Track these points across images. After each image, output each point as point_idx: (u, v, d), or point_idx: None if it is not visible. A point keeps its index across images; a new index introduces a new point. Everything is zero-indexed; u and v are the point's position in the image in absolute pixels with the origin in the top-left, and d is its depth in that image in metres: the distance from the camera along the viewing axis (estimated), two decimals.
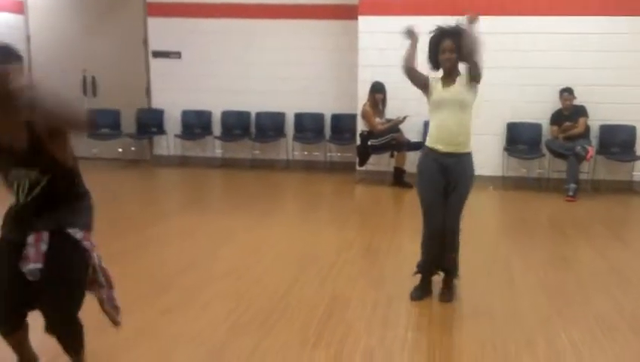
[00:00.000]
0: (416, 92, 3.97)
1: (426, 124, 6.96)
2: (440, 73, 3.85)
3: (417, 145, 7.45)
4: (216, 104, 9.13)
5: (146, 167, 9.16)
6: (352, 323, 3.61)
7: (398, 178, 7.81)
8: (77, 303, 2.61)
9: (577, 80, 7.62)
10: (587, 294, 4.17)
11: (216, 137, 9.15)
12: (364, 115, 7.81)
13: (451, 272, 4.00)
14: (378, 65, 7.81)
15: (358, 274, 4.50)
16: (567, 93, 7.53)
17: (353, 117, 8.27)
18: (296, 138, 9.00)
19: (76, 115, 2.26)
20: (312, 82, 8.94)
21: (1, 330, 2.65)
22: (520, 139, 7.95)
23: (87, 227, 2.59)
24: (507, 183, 7.92)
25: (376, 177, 8.15)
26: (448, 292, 3.98)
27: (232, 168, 9.04)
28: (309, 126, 8.99)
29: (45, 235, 2.47)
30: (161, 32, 9.13)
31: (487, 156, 7.86)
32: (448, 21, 3.85)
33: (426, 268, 3.99)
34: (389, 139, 7.71)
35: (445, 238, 3.87)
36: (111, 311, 2.79)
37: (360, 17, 8.02)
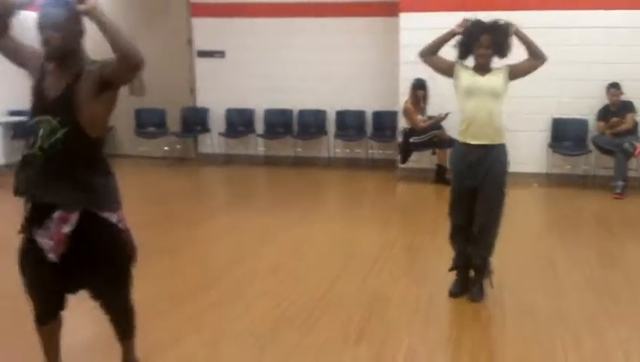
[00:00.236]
0: None
1: None
2: (468, 62, 3.82)
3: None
4: (259, 102, 9.24)
5: (191, 165, 9.33)
6: (394, 321, 3.63)
7: (440, 175, 7.77)
8: (126, 287, 2.65)
9: (625, 75, 7.43)
10: (635, 292, 4.10)
11: (258, 135, 9.27)
12: (406, 113, 7.80)
13: (481, 271, 3.92)
14: (419, 62, 7.70)
15: (400, 272, 4.52)
16: (614, 88, 7.36)
17: (394, 114, 8.26)
18: (337, 135, 9.03)
19: (134, 47, 2.30)
20: (354, 80, 8.95)
21: (36, 317, 2.61)
22: (565, 135, 7.81)
23: (118, 206, 2.56)
24: (551, 180, 7.80)
25: (417, 175, 8.13)
26: (477, 292, 3.91)
27: (275, 166, 9.14)
28: (350, 123, 9.01)
29: (73, 218, 2.43)
30: (205, 31, 9.29)
31: (531, 153, 7.74)
32: (490, 17, 3.82)
33: (459, 263, 3.97)
34: (430, 136, 7.68)
35: (475, 235, 3.83)
36: None
37: (401, 14, 8.00)
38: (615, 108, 7.38)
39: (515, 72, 3.81)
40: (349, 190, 7.98)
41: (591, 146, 7.63)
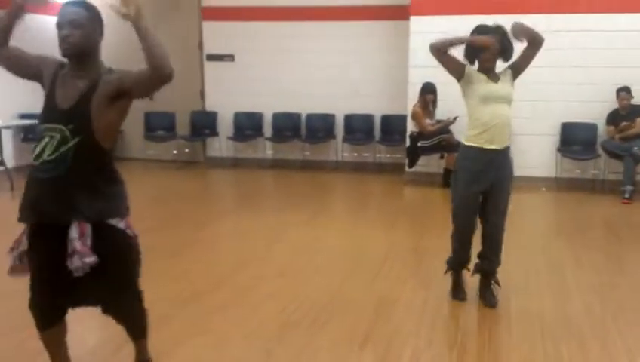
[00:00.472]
0: None
1: None
2: (474, 67, 3.81)
3: None
4: (268, 106, 9.28)
5: (199, 168, 9.38)
6: (401, 323, 3.64)
7: (448, 179, 7.74)
8: (134, 292, 2.65)
9: (635, 79, 7.41)
10: None
11: (267, 139, 9.30)
12: (414, 116, 7.80)
13: (491, 274, 3.94)
14: (429, 66, 7.66)
15: (407, 275, 4.53)
16: (624, 92, 7.33)
17: (403, 118, 8.26)
18: (345, 139, 9.05)
19: (168, 59, 2.38)
20: (362, 83, 8.97)
21: (37, 323, 2.58)
22: (575, 139, 7.78)
23: (127, 213, 2.55)
24: (560, 184, 7.77)
25: (425, 178, 8.13)
26: (490, 297, 3.92)
27: (283, 169, 9.17)
28: (358, 127, 9.03)
29: (89, 228, 2.39)
30: (216, 35, 9.34)
31: (540, 157, 7.73)
32: (499, 21, 3.82)
33: (455, 265, 4.00)
34: (438, 140, 7.68)
35: (488, 239, 3.83)
36: None
37: (411, 17, 8.01)
38: (625, 113, 7.36)
39: (518, 69, 3.81)
40: (356, 193, 7.99)
41: (600, 151, 7.60)
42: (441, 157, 7.97)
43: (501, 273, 3.98)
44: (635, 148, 7.10)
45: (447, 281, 4.07)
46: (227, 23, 9.26)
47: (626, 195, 7.03)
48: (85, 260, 2.37)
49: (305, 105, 9.13)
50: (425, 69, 7.87)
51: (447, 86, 7.30)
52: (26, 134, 8.53)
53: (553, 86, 7.60)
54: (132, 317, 2.73)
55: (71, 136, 2.35)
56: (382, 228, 5.97)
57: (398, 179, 8.28)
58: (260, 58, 9.22)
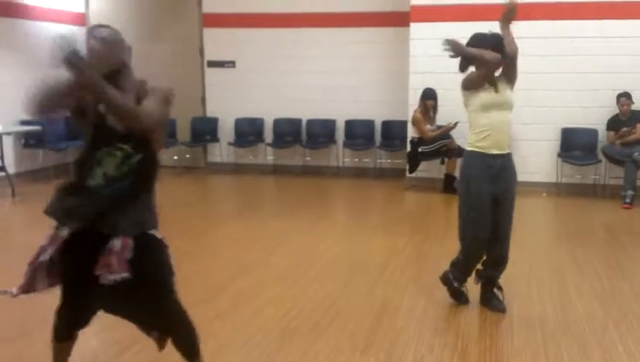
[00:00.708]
0: None
1: None
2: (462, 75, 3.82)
3: None
4: (268, 112, 9.29)
5: (200, 174, 9.39)
6: (402, 329, 3.64)
7: (449, 185, 7.76)
8: (176, 301, 2.61)
9: (635, 84, 7.42)
10: None
11: (267, 144, 9.31)
12: (415, 122, 7.81)
13: (494, 285, 3.93)
14: (429, 72, 7.80)
15: (408, 281, 4.52)
16: (624, 98, 7.34)
17: (404, 123, 8.27)
18: (346, 145, 9.06)
19: (137, 118, 2.34)
20: (363, 89, 8.99)
21: (56, 333, 2.59)
22: (575, 144, 7.79)
23: (157, 220, 2.57)
24: (561, 190, 7.77)
25: (426, 184, 8.13)
26: (499, 303, 3.91)
27: (284, 175, 9.18)
28: (359, 133, 9.04)
29: (131, 243, 2.41)
30: (217, 42, 9.37)
31: (541, 162, 7.73)
32: (490, 28, 3.82)
33: (465, 277, 3.98)
34: (439, 145, 7.69)
35: (499, 246, 3.83)
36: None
37: (412, 24, 8.02)
38: (625, 118, 7.36)
39: (509, 77, 3.80)
40: (357, 199, 7.99)
41: (601, 156, 7.61)
42: (442, 162, 7.98)
43: (502, 278, 3.98)
44: (636, 153, 7.10)
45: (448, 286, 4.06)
46: (228, 30, 9.28)
47: (627, 200, 7.03)
48: (116, 277, 2.37)
49: (305, 110, 9.15)
50: (425, 75, 7.92)
51: (447, 92, 7.37)
52: (27, 140, 8.55)
53: (554, 91, 7.61)
54: (177, 328, 2.67)
55: (134, 152, 2.43)
56: (383, 233, 5.97)
57: (399, 184, 8.29)
58: (261, 64, 9.24)
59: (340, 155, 9.20)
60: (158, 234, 2.53)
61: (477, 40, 3.75)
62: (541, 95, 7.54)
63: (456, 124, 7.40)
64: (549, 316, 3.85)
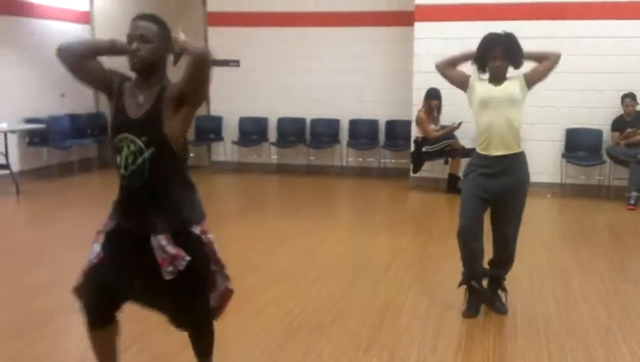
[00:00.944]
0: None
1: None
2: (485, 75, 3.78)
3: (472, 152, 7.38)
4: (273, 111, 9.30)
5: (204, 173, 9.38)
6: (405, 329, 3.63)
7: (453, 185, 7.75)
8: (207, 302, 2.61)
9: None
10: None
11: (271, 143, 9.31)
12: (419, 122, 7.80)
13: (498, 286, 3.92)
14: (433, 72, 7.68)
15: (412, 281, 4.52)
16: (629, 98, 7.32)
17: (408, 123, 8.27)
18: (350, 144, 9.06)
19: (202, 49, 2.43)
20: (367, 89, 8.99)
21: (90, 320, 2.51)
22: (580, 145, 7.77)
23: (203, 218, 2.58)
24: (565, 190, 7.76)
25: (430, 184, 8.12)
26: (501, 306, 3.89)
27: (287, 174, 9.18)
28: (363, 132, 9.04)
29: (169, 238, 2.43)
30: (221, 40, 9.36)
31: (545, 163, 7.71)
32: (503, 27, 3.81)
33: (469, 277, 3.85)
34: (443, 145, 7.68)
35: (500, 248, 3.82)
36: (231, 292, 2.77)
37: (416, 24, 8.02)
38: (630, 119, 7.34)
39: (533, 77, 3.74)
40: (361, 199, 7.98)
41: (605, 157, 7.59)
42: (446, 162, 7.97)
43: (506, 279, 3.96)
44: None
45: (452, 287, 4.03)
46: (232, 29, 9.29)
47: (631, 201, 7.01)
48: (183, 263, 2.40)
49: (310, 110, 9.15)
50: (429, 74, 7.77)
51: (452, 91, 7.26)
52: (32, 138, 8.57)
53: (558, 92, 7.58)
54: (202, 329, 2.67)
55: (145, 147, 2.40)
56: (386, 233, 5.97)
57: (403, 184, 8.28)
58: (265, 63, 9.24)
59: (344, 155, 9.19)
60: (198, 229, 2.52)
61: (490, 40, 3.66)
62: (545, 95, 7.49)
63: (460, 124, 7.40)
64: (552, 316, 3.84)
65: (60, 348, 3.49)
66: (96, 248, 2.51)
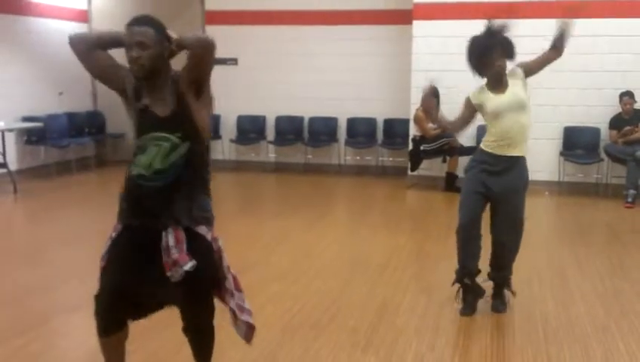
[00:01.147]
0: None
1: (479, 129, 6.94)
2: (481, 81, 3.75)
3: (470, 150, 7.35)
4: (270, 109, 9.29)
5: None
6: (403, 328, 3.63)
7: (451, 183, 7.76)
8: (211, 308, 2.58)
9: (639, 83, 7.41)
10: None
11: (269, 142, 9.31)
12: (417, 120, 7.80)
13: (501, 286, 3.92)
14: (431, 70, 7.76)
15: (410, 279, 4.52)
16: (627, 97, 7.33)
17: (406, 122, 8.27)
18: (348, 143, 9.06)
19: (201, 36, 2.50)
20: (365, 87, 8.99)
21: (102, 325, 2.45)
22: (577, 143, 7.78)
23: (212, 223, 2.55)
24: (563, 188, 7.77)
25: (428, 182, 8.12)
26: (499, 304, 3.89)
27: (285, 172, 9.18)
28: (361, 131, 9.04)
29: (183, 235, 2.40)
30: (219, 39, 9.21)
31: (543, 161, 7.72)
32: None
33: (463, 275, 3.84)
34: (441, 144, 7.68)
35: (498, 250, 3.81)
36: (242, 325, 2.68)
37: (414, 22, 8.01)
38: (628, 117, 7.35)
39: (531, 69, 3.72)
40: (358, 197, 7.98)
41: (603, 155, 7.59)
42: (444, 160, 7.97)
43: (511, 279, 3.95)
44: (638, 152, 7.09)
45: (449, 285, 4.03)
46: (230, 27, 9.27)
47: (629, 199, 7.02)
48: (185, 268, 2.37)
49: (308, 108, 9.15)
50: (428, 72, 7.88)
51: (449, 90, 7.35)
52: (30, 137, 8.55)
53: (556, 90, 7.59)
54: (202, 334, 2.65)
55: (181, 142, 2.40)
56: (384, 231, 5.97)
57: (401, 182, 8.28)
58: (263, 62, 9.24)
59: (342, 153, 9.19)
60: (209, 234, 2.49)
61: (480, 46, 3.61)
62: (543, 93, 7.51)
63: None
64: (550, 315, 3.84)
65: (56, 347, 3.47)
66: (105, 252, 2.49)
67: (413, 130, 7.98)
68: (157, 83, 2.44)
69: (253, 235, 5.80)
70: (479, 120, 3.90)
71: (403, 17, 8.30)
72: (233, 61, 9.35)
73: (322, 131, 9.16)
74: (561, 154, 7.77)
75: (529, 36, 7.38)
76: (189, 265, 2.38)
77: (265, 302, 4.01)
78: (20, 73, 8.51)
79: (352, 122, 9.05)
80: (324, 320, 3.73)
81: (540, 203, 7.25)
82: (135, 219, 2.44)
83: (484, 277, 3.93)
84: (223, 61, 9.35)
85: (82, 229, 5.84)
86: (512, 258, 3.85)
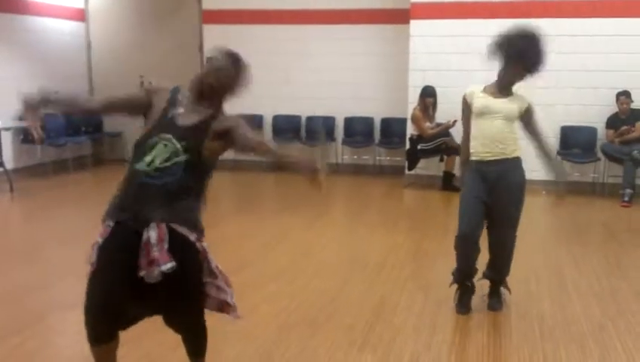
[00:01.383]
0: None
1: None
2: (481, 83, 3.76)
3: None
4: (268, 108, 9.28)
5: None
6: (400, 326, 3.63)
7: (448, 182, 7.77)
8: (200, 307, 2.57)
9: (635, 83, 7.42)
10: None
11: (267, 141, 9.28)
12: (414, 119, 7.81)
13: (498, 284, 3.92)
14: (429, 70, 7.80)
15: (407, 278, 4.52)
16: (624, 96, 7.34)
17: (403, 121, 8.27)
18: (345, 142, 9.06)
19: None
20: (363, 86, 8.98)
21: (94, 335, 2.42)
22: (574, 142, 7.79)
23: (202, 232, 2.53)
24: (560, 188, 7.75)
25: (425, 181, 8.13)
26: (495, 303, 3.90)
27: (282, 171, 9.14)
28: (358, 130, 9.04)
29: (166, 233, 2.36)
30: (216, 38, 9.33)
31: (540, 160, 7.70)
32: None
33: (461, 278, 3.86)
34: (438, 143, 7.68)
35: (494, 251, 3.81)
36: (230, 308, 2.67)
37: (411, 21, 8.01)
38: (625, 117, 7.36)
39: (524, 118, 3.72)
40: (356, 196, 7.98)
41: (600, 154, 7.61)
42: (441, 160, 7.98)
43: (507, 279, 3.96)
44: (635, 151, 7.11)
45: (446, 284, 4.04)
46: (228, 27, 9.26)
47: (626, 199, 7.03)
48: (162, 268, 2.32)
49: (305, 107, 9.14)
50: (425, 72, 7.91)
51: (447, 89, 7.36)
52: (26, 136, 8.52)
53: (553, 89, 7.60)
54: (193, 332, 2.64)
55: (182, 151, 2.46)
56: (382, 230, 5.97)
57: (398, 181, 8.28)
58: (261, 61, 9.12)
59: (339, 152, 9.19)
60: (193, 236, 2.46)
61: (514, 45, 3.52)
62: (540, 93, 7.49)
63: (455, 121, 7.37)
64: (547, 314, 3.84)
65: (52, 345, 3.47)
66: (93, 257, 2.45)
67: (410, 129, 7.98)
68: (202, 104, 2.58)
69: (251, 234, 5.80)
70: None
71: (400, 17, 8.30)
72: None
73: (320, 130, 9.15)
74: (558, 153, 7.76)
75: None
76: (168, 266, 2.32)
77: (262, 301, 4.01)
78: (17, 72, 8.48)
79: (349, 121, 9.05)
80: (321, 318, 3.72)
81: (537, 202, 7.25)
82: (123, 214, 2.41)
83: (479, 276, 3.94)
84: None
85: (79, 228, 5.82)
86: (511, 257, 3.85)
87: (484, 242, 3.83)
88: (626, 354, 3.30)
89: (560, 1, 7.67)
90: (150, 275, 2.32)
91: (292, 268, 4.73)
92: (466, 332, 3.58)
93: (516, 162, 3.72)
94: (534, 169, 8.14)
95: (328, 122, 9.11)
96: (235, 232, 5.88)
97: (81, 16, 9.81)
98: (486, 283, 3.97)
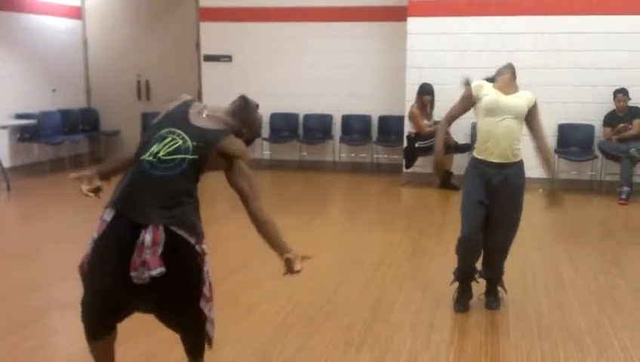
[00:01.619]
0: None
1: (474, 126, 6.92)
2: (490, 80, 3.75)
3: (465, 148, 7.39)
4: (265, 106, 9.14)
5: None
6: (397, 325, 3.63)
7: (445, 180, 7.77)
8: (196, 305, 2.54)
9: (632, 80, 7.42)
10: (639, 300, 4.08)
11: (264, 139, 9.28)
12: (412, 117, 7.80)
13: (495, 283, 3.92)
14: (426, 67, 7.80)
15: (404, 277, 4.52)
16: (621, 94, 7.34)
17: (400, 119, 8.27)
18: (343, 140, 9.05)
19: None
20: (360, 84, 8.97)
21: (91, 329, 2.45)
22: (572, 140, 7.79)
23: (201, 236, 2.55)
24: (557, 186, 7.75)
25: (422, 179, 8.13)
26: (493, 301, 3.89)
27: (280, 169, 9.16)
28: (356, 128, 9.03)
29: (162, 236, 2.35)
30: (213, 36, 9.33)
31: (537, 158, 7.70)
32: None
33: (462, 277, 3.87)
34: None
35: (490, 251, 3.80)
36: (210, 332, 2.65)
37: (409, 19, 8.01)
38: (622, 114, 7.37)
39: (530, 115, 3.74)
40: (354, 194, 7.98)
41: (597, 152, 7.61)
42: None
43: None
44: (632, 149, 7.11)
45: (444, 283, 4.05)
46: (224, 24, 9.25)
47: (623, 196, 7.04)
48: (152, 273, 2.32)
49: (302, 105, 9.13)
50: (422, 69, 7.90)
51: (444, 87, 7.35)
52: (23, 134, 8.51)
53: (550, 87, 7.60)
54: (191, 332, 2.64)
55: (192, 150, 2.46)
56: (379, 229, 5.97)
57: (396, 179, 8.28)
58: (258, 59, 9.21)
59: (337, 150, 9.18)
60: (192, 238, 2.46)
61: None
62: (538, 90, 7.42)
63: None
64: (544, 312, 3.85)
65: (50, 344, 3.46)
66: (89, 253, 2.45)
67: (408, 127, 7.98)
68: (217, 120, 2.65)
69: (248, 233, 5.73)
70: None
71: (398, 14, 8.28)
72: (227, 58, 9.33)
73: (317, 128, 9.15)
74: (556, 151, 7.76)
75: (526, 33, 7.44)
76: (157, 271, 2.32)
77: (259, 300, 4.01)
78: (13, 70, 8.46)
79: (346, 119, 9.05)
80: (319, 317, 3.72)
81: (534, 200, 7.23)
82: (125, 208, 2.41)
83: (476, 275, 3.94)
84: (217, 58, 9.34)
85: (76, 226, 5.81)
86: (505, 256, 3.86)
87: None
88: (623, 351, 3.31)
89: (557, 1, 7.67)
90: (139, 276, 2.32)
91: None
92: (464, 331, 3.58)
93: (520, 165, 3.74)
94: (531, 167, 8.15)
95: (326, 120, 9.11)
96: (231, 231, 5.86)
97: (77, 13, 9.78)
98: (483, 282, 3.97)
